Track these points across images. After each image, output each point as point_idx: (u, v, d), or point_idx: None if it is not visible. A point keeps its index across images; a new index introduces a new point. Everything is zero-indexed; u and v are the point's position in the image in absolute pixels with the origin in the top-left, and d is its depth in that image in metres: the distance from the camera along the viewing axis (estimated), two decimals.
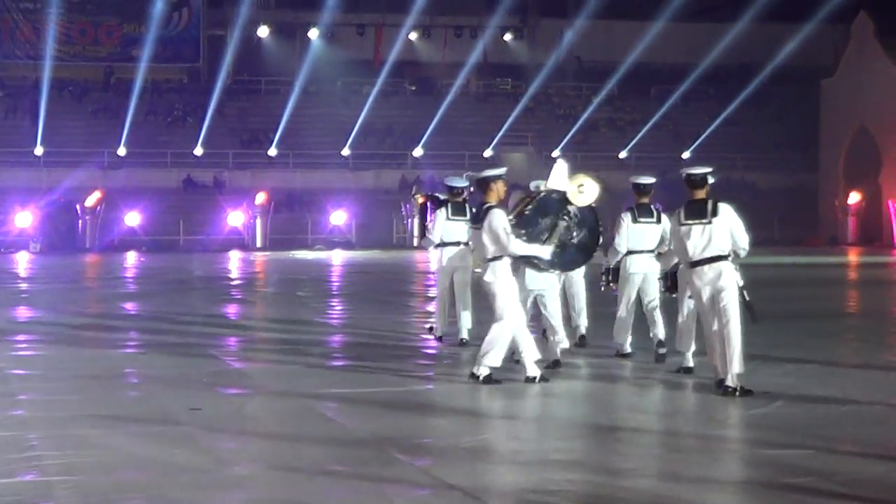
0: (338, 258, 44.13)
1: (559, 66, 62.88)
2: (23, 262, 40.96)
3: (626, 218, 14.49)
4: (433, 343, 16.90)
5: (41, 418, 11.30)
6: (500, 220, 12.71)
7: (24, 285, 31.14)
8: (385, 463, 9.53)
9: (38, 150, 53.69)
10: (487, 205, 12.88)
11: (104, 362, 15.35)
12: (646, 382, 13.64)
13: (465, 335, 16.35)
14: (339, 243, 50.59)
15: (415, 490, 8.76)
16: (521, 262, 13.17)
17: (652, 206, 14.69)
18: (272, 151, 56.91)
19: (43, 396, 12.62)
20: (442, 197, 16.70)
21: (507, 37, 65.38)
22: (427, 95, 62.16)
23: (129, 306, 23.96)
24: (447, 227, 16.17)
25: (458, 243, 16.18)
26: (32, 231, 47.13)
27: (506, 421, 11.58)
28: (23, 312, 22.66)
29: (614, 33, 61.51)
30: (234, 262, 42.11)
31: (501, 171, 13.18)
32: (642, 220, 14.36)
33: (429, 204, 16.71)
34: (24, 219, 47.20)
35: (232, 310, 23.79)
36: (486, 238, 12.73)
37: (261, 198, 50.82)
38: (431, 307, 17.03)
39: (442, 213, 16.19)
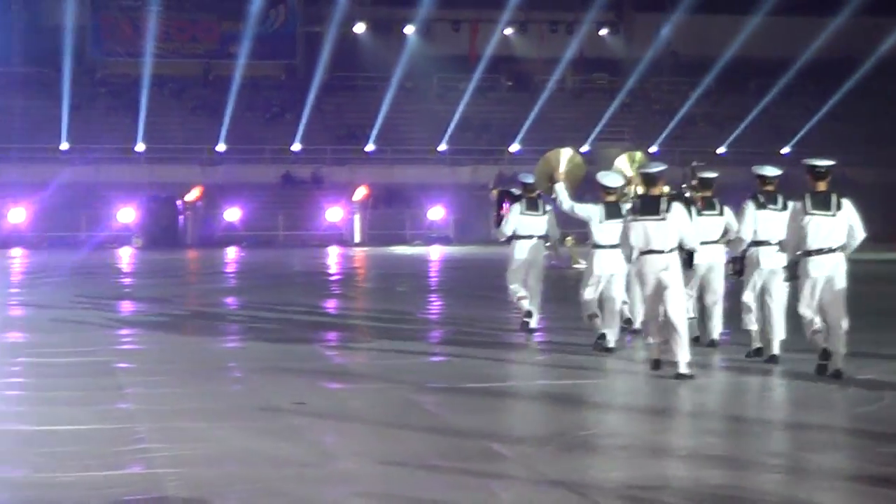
0: (436, 253, 44.21)
1: (656, 60, 62.35)
2: (125, 257, 41.50)
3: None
4: (533, 336, 16.96)
5: (147, 411, 11.42)
6: (684, 211, 13.29)
7: (127, 280, 31.53)
8: (488, 457, 9.52)
9: (140, 147, 54.33)
10: (665, 196, 13.38)
11: (208, 355, 15.53)
12: (747, 375, 13.53)
13: (534, 324, 17.19)
14: (437, 239, 50.64)
15: (519, 484, 8.74)
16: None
17: (714, 200, 15.09)
18: (369, 147, 57.13)
19: (148, 389, 12.76)
20: (516, 192, 17.36)
21: (603, 32, 65.05)
22: (523, 91, 62.03)
23: (230, 300, 24.16)
24: (521, 221, 16.84)
25: (531, 237, 16.88)
26: (134, 227, 47.75)
27: (609, 414, 11.51)
28: (126, 306, 22.96)
29: (711, 27, 60.89)
30: (333, 257, 42.34)
31: (664, 166, 13.62)
32: (705, 212, 14.77)
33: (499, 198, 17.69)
34: (127, 214, 47.82)
35: (332, 304, 23.92)
36: (669, 229, 13.07)
37: (361, 192, 51.04)
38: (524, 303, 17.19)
39: (516, 207, 16.89)
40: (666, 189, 13.85)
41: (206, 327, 19.09)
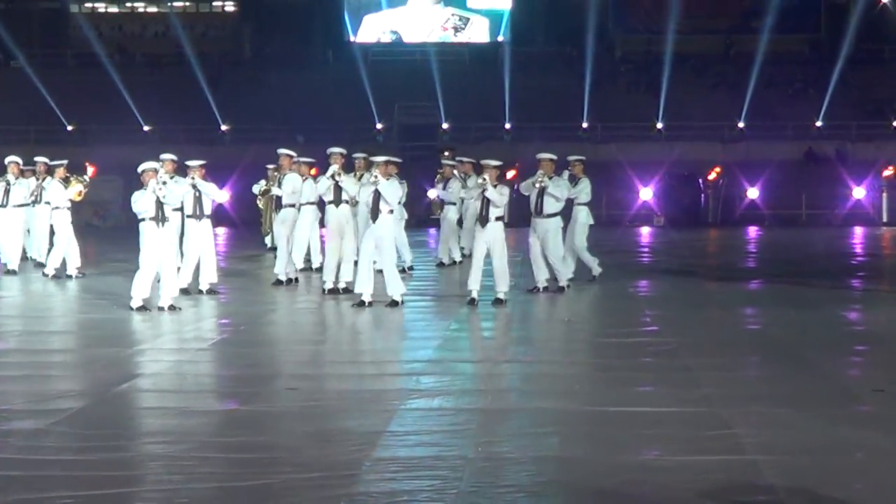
0: None
1: None
2: (646, 235, 41.91)
3: None
4: None
5: (724, 395, 11.45)
6: None
7: (653, 257, 31.73)
8: None
9: (659, 124, 54.79)
10: None
11: (762, 336, 15.42)
12: None
13: None
14: None
15: None
16: None
17: None
18: None
19: (718, 372, 12.78)
20: None
21: None
22: None
23: (756, 282, 23.79)
24: None
25: None
26: (655, 205, 48.12)
27: None
28: (655, 285, 23.03)
29: None
30: (859, 237, 41.11)
31: None
32: None
33: None
34: (647, 193, 48.24)
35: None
36: None
37: (889, 171, 49.31)
38: None
39: None
40: None
41: (742, 306, 18.96)
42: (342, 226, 20.34)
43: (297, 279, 21.86)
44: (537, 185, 19.77)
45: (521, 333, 16.45)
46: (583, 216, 22.09)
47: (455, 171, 25.10)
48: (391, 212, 18.55)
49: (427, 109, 53.97)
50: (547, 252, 20.09)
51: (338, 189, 20.18)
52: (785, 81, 58.40)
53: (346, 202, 20.47)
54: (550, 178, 19.82)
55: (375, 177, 18.37)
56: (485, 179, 18.61)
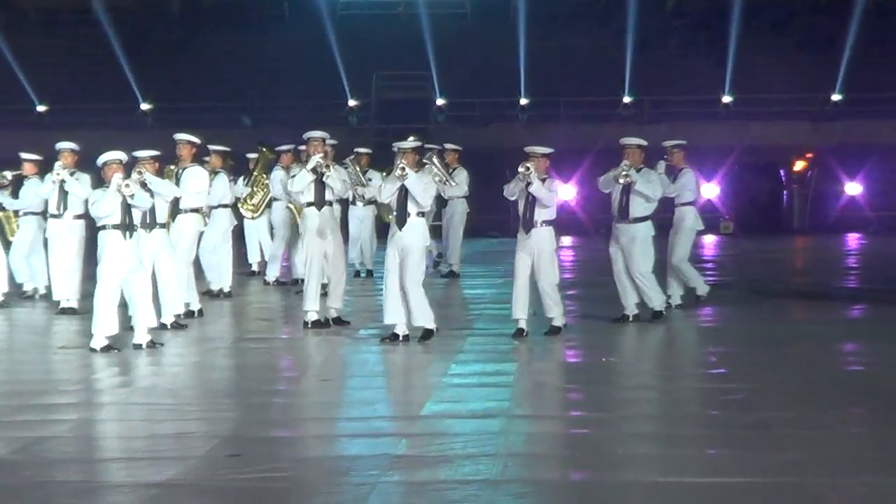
0: None
1: None
2: (710, 246, 41.88)
3: None
4: None
5: (818, 458, 11.44)
6: None
7: (711, 277, 31.74)
8: None
9: (727, 98, 54.68)
10: None
11: (861, 384, 15.44)
12: None
13: None
14: None
15: None
16: None
17: None
18: None
19: (807, 430, 12.75)
20: None
21: None
22: None
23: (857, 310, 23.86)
24: None
25: None
26: (721, 206, 48.06)
27: None
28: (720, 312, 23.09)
29: None
30: None
31: None
32: None
33: None
34: (711, 190, 48.09)
35: None
36: None
37: None
38: None
39: None
40: None
41: (838, 341, 19.00)
42: (326, 235, 20.19)
43: (199, 311, 21.97)
44: (622, 181, 19.72)
45: (543, 378, 16.44)
46: (689, 220, 22.09)
47: (435, 162, 25.07)
48: (422, 214, 18.52)
49: (415, 80, 53.87)
50: (630, 266, 20.08)
51: (321, 186, 20.05)
52: (894, 39, 58.47)
53: (330, 203, 20.37)
54: (638, 170, 19.82)
55: (402, 169, 18.27)
56: (528, 169, 18.57)
